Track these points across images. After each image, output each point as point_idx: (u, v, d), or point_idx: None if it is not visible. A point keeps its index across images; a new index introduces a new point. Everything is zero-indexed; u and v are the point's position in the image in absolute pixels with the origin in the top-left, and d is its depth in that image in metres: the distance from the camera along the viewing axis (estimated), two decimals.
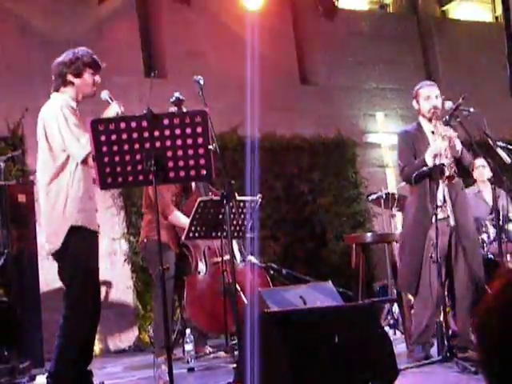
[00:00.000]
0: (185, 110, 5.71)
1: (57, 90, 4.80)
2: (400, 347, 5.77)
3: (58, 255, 4.65)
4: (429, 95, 5.49)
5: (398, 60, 11.20)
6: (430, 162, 5.27)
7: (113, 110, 4.68)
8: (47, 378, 4.68)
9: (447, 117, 5.41)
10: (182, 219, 6.48)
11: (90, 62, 4.81)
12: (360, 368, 3.72)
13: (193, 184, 6.75)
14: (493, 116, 6.79)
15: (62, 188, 4.61)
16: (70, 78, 4.76)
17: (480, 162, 7.33)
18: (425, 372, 4.86)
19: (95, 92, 4.85)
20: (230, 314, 5.74)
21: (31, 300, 6.38)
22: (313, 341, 3.71)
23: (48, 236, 4.70)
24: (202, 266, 6.60)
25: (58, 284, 7.31)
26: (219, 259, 6.28)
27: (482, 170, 7.40)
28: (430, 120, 5.46)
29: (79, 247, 4.62)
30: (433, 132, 5.38)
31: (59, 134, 4.58)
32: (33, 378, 5.92)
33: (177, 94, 6.00)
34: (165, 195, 6.38)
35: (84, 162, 4.55)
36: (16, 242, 6.21)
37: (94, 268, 4.72)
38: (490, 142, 5.55)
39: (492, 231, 6.72)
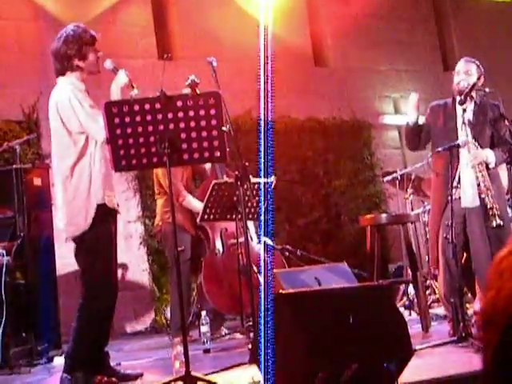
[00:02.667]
0: (199, 92, 5.71)
1: (62, 74, 4.73)
2: (415, 328, 5.77)
3: (80, 237, 4.64)
4: (459, 70, 5.51)
5: (413, 41, 11.13)
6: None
7: (121, 78, 4.63)
8: (65, 357, 4.72)
9: (462, 97, 5.39)
10: (194, 203, 6.49)
11: (89, 40, 4.71)
12: (374, 349, 3.72)
13: (206, 166, 6.75)
14: (509, 97, 6.74)
15: (85, 169, 4.61)
16: (76, 62, 4.68)
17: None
18: (439, 352, 4.86)
19: (100, 69, 4.79)
20: (246, 296, 5.76)
21: (48, 283, 6.42)
22: (327, 321, 3.71)
23: (72, 218, 4.63)
24: (219, 247, 6.62)
25: (74, 267, 7.38)
26: (239, 240, 6.28)
27: None
28: (458, 94, 5.46)
29: (102, 228, 4.63)
30: (464, 111, 5.38)
31: (75, 117, 4.56)
32: (50, 360, 5.98)
33: (192, 77, 5.98)
34: (175, 181, 6.36)
35: (105, 141, 4.52)
36: (32, 226, 6.24)
37: (113, 248, 4.74)
38: (506, 122, 5.52)
39: (509, 211, 6.68)
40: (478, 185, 5.27)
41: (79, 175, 4.61)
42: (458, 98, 5.46)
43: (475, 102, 5.46)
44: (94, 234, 4.61)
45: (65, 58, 4.69)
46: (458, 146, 5.27)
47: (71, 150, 4.62)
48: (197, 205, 6.43)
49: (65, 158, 4.65)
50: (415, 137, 5.61)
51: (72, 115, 4.57)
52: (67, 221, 4.69)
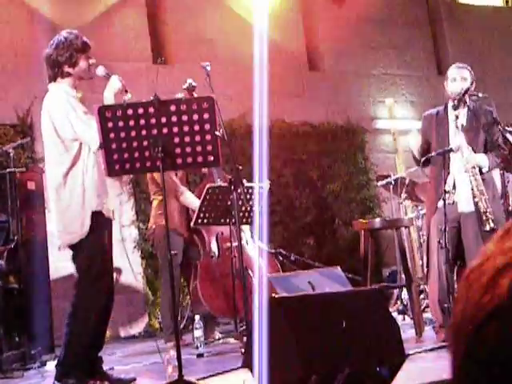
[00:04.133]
0: (196, 96, 5.73)
1: (54, 81, 4.71)
2: (409, 332, 5.78)
3: (77, 244, 4.63)
4: (455, 77, 5.50)
5: (407, 46, 11.15)
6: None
7: (114, 83, 4.60)
8: (56, 365, 4.71)
9: (456, 101, 5.39)
10: (191, 199, 6.49)
11: (81, 47, 4.68)
12: (367, 353, 3.72)
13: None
14: (502, 101, 6.77)
15: (78, 176, 4.59)
16: (66, 68, 4.66)
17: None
18: (433, 357, 4.87)
19: (92, 75, 4.77)
20: (240, 300, 5.76)
21: (41, 287, 6.42)
22: (320, 326, 3.71)
23: (67, 226, 4.62)
24: (214, 250, 6.62)
25: (68, 271, 7.39)
26: (233, 244, 6.29)
27: None
28: (453, 101, 5.45)
29: (97, 235, 4.62)
30: (457, 117, 5.38)
31: (69, 124, 4.55)
32: (43, 364, 5.96)
33: (189, 81, 5.99)
34: (172, 179, 6.39)
35: (99, 148, 4.52)
36: (26, 229, 6.23)
37: (109, 255, 4.74)
38: (500, 127, 5.53)
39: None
40: (472, 189, 5.28)
41: (73, 183, 4.60)
42: (450, 104, 5.48)
43: (468, 107, 5.47)
44: (90, 241, 4.60)
45: (55, 64, 4.67)
46: (451, 151, 5.29)
47: (64, 157, 4.61)
48: (194, 201, 6.44)
49: (58, 165, 4.64)
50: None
51: (65, 122, 4.55)
52: (62, 229, 4.67)
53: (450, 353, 0.95)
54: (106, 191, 4.77)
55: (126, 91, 4.61)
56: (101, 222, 4.65)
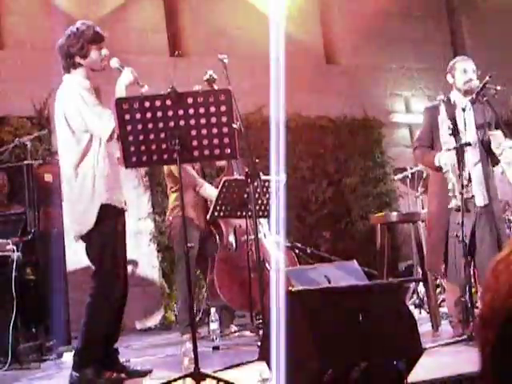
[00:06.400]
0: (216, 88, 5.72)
1: (68, 72, 4.71)
2: (425, 326, 5.76)
3: (87, 235, 4.66)
4: (465, 68, 5.47)
5: (425, 38, 11.09)
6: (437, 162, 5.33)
7: (126, 76, 4.59)
8: (74, 355, 4.73)
9: (474, 95, 5.35)
10: (210, 191, 6.48)
11: (92, 38, 4.64)
12: (384, 347, 3.71)
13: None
14: None
15: (89, 168, 4.59)
16: (77, 59, 4.65)
17: (507, 142, 7.25)
18: (450, 351, 4.85)
19: (105, 66, 4.73)
20: (257, 293, 5.75)
21: (58, 279, 6.43)
22: (337, 319, 3.71)
23: (77, 217, 4.65)
24: (232, 243, 6.61)
25: (84, 263, 7.40)
26: (250, 237, 6.28)
27: (508, 150, 7.33)
28: (465, 93, 5.42)
29: (107, 226, 4.63)
30: (463, 109, 5.33)
31: (80, 116, 4.54)
32: (60, 356, 5.99)
33: (210, 72, 5.98)
34: (189, 172, 6.38)
35: (109, 139, 4.53)
36: (43, 221, 6.25)
37: (120, 246, 4.74)
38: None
39: None
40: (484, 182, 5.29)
41: (84, 175, 4.60)
42: (457, 95, 5.43)
43: (473, 101, 5.41)
44: (99, 232, 4.61)
45: (67, 55, 4.67)
46: (469, 145, 5.24)
47: (75, 149, 4.61)
48: (213, 193, 6.42)
49: (69, 157, 4.65)
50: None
51: (76, 114, 4.55)
52: (73, 220, 4.72)
53: (478, 341, 0.94)
54: (118, 184, 4.76)
55: (139, 84, 4.60)
56: (110, 214, 4.64)
